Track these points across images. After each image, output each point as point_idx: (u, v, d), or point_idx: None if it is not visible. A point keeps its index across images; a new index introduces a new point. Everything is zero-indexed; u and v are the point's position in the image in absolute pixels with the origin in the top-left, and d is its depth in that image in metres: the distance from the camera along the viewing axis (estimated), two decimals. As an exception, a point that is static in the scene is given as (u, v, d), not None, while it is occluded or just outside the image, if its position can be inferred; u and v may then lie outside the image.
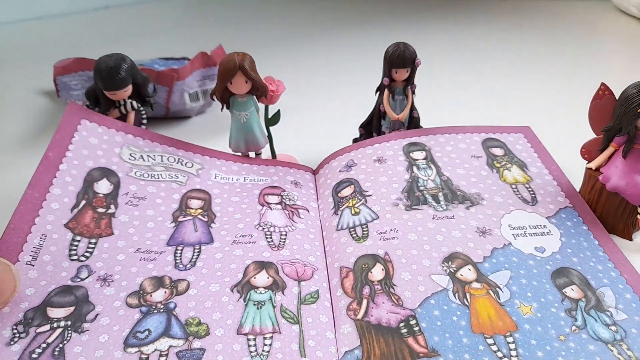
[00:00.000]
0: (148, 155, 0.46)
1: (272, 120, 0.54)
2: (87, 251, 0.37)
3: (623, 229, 0.43)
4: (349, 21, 1.25)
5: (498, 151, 0.49)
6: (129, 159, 0.45)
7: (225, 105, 0.49)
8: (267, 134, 0.54)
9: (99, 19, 1.34)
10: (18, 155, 0.61)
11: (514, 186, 0.45)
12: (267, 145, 0.54)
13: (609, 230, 0.43)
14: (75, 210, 0.39)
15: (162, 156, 0.47)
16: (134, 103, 0.49)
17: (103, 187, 0.42)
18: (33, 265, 0.35)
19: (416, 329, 0.32)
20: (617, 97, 0.40)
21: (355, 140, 0.58)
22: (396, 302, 0.34)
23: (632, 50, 0.96)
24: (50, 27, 1.25)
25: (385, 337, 0.32)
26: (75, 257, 0.36)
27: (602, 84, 0.42)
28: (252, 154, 0.53)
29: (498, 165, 0.47)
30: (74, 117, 0.45)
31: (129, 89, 0.47)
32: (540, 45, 0.99)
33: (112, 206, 0.41)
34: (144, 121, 0.51)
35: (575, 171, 0.48)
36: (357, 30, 1.15)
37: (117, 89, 0.46)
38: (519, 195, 0.44)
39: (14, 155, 0.61)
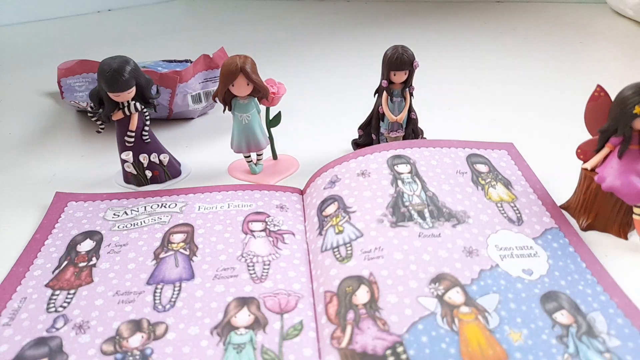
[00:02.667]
0: (132, 210, 0.46)
1: (273, 121, 0.54)
2: (65, 302, 0.36)
3: (618, 229, 0.42)
4: (349, 24, 1.25)
5: (482, 167, 0.48)
6: (113, 217, 0.45)
7: (227, 107, 0.49)
8: (268, 135, 0.54)
9: (103, 22, 1.34)
10: (22, 156, 0.61)
11: (499, 205, 0.44)
12: (268, 147, 0.54)
13: (604, 230, 0.43)
14: (57, 271, 0.39)
15: (145, 206, 0.47)
16: (138, 105, 0.49)
17: (86, 245, 0.42)
18: (10, 325, 0.34)
19: (403, 357, 0.30)
20: (612, 99, 0.40)
21: (354, 142, 0.58)
22: (382, 327, 0.32)
23: (628, 52, 0.96)
24: (54, 30, 1.25)
25: None
26: (53, 309, 0.36)
27: (598, 85, 0.42)
28: (253, 155, 0.53)
29: (483, 182, 0.46)
30: (60, 204, 0.48)
31: (132, 91, 0.47)
32: (536, 47, 0.99)
33: (94, 258, 0.40)
34: (147, 122, 0.51)
35: (560, 184, 0.48)
36: (356, 33, 1.15)
37: (121, 91, 0.46)
38: (505, 215, 0.43)
39: (18, 156, 0.61)
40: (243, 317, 0.34)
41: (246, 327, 0.34)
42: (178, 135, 0.62)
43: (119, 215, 0.45)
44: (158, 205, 0.47)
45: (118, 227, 0.44)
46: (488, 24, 1.20)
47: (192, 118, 0.69)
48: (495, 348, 0.31)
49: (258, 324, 0.34)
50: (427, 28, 1.17)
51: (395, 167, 0.47)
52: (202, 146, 0.61)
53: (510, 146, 0.52)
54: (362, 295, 0.35)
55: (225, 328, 0.34)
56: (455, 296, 0.35)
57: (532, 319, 0.33)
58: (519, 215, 0.43)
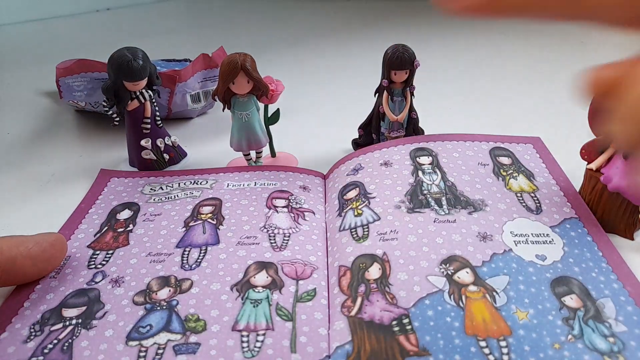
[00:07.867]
0: (166, 186, 0.50)
1: (272, 119, 0.54)
2: (104, 260, 0.40)
3: (624, 229, 0.42)
4: (349, 23, 1.24)
5: (505, 160, 0.48)
6: (149, 192, 0.49)
7: (226, 106, 0.49)
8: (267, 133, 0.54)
9: (101, 21, 1.34)
10: (20, 156, 0.60)
11: (519, 194, 0.44)
12: (267, 144, 0.54)
13: (610, 230, 0.43)
14: (98, 235, 0.43)
15: (179, 183, 0.50)
16: (148, 91, 0.51)
17: (124, 214, 0.46)
18: (55, 278, 0.38)
19: (408, 327, 0.32)
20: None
21: (354, 141, 0.57)
22: (390, 300, 0.34)
23: (631, 51, 0.95)
24: (52, 29, 1.25)
25: (376, 333, 0.32)
26: (93, 266, 0.39)
27: (603, 84, 0.41)
28: (252, 154, 0.53)
29: (504, 173, 0.46)
30: (104, 179, 0.52)
31: (146, 78, 0.50)
32: (536, 46, 0.99)
33: (131, 225, 0.44)
34: (157, 108, 0.52)
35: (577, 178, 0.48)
36: (356, 32, 1.15)
37: (141, 79, 0.49)
38: (524, 204, 0.43)
39: (17, 156, 0.60)
40: (261, 278, 0.37)
41: (263, 287, 0.36)
42: (177, 134, 0.61)
43: (155, 190, 0.49)
44: (191, 182, 0.50)
45: (154, 200, 0.48)
46: (490, 22, 1.19)
47: (192, 118, 0.69)
48: (499, 324, 0.32)
49: (275, 285, 0.37)
50: (428, 27, 1.16)
51: (417, 158, 0.48)
52: (201, 145, 0.61)
53: (536, 140, 0.52)
54: (374, 271, 0.37)
55: (244, 286, 0.37)
56: (464, 276, 0.36)
57: (540, 301, 0.34)
58: (538, 204, 0.43)
